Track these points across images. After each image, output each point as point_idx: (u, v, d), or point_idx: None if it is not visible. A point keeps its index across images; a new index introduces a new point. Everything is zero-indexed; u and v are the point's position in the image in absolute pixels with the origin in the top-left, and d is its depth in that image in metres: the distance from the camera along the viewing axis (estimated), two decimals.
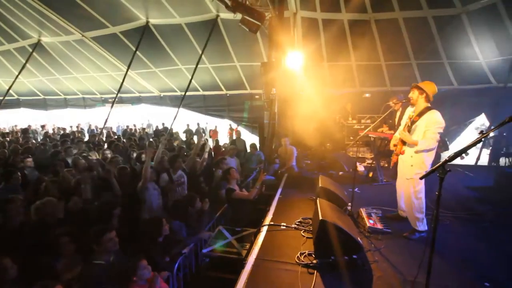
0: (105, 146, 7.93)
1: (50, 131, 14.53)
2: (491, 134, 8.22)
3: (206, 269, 3.54)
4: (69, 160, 5.30)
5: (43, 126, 15.89)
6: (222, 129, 15.10)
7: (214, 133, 14.53)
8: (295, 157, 6.65)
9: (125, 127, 15.32)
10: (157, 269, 2.74)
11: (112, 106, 9.82)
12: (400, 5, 7.70)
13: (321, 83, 9.47)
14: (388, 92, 9.46)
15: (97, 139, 8.66)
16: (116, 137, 10.51)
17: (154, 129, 15.24)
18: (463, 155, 1.59)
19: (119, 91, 10.10)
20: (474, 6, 7.20)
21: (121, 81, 9.88)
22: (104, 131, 12.14)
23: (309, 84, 8.30)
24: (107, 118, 10.02)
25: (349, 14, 8.20)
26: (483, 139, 1.46)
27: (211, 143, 11.35)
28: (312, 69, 9.05)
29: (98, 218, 3.12)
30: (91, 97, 15.41)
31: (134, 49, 9.55)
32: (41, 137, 13.06)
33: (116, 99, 10.72)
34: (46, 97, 16.43)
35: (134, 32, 9.55)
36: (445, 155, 6.72)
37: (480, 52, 8.19)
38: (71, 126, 15.50)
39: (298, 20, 8.41)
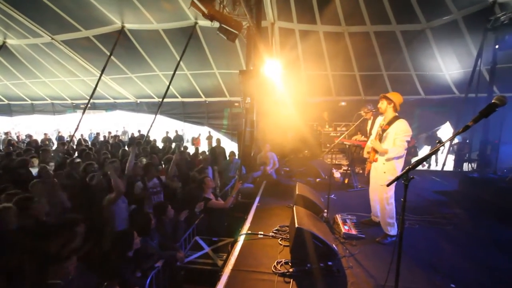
0: (75, 154, 7.52)
1: (15, 139, 13.52)
2: (455, 140, 8.84)
3: (181, 282, 3.42)
4: (33, 171, 4.95)
5: (6, 133, 14.77)
6: (205, 137, 14.91)
7: (197, 141, 14.31)
8: (272, 162, 6.68)
9: (95, 134, 14.58)
10: (128, 286, 2.60)
11: (83, 112, 9.36)
12: (371, 20, 8.16)
13: (298, 92, 9.71)
14: (362, 101, 9.91)
15: (66, 147, 8.18)
16: (87, 145, 9.99)
17: (129, 136, 14.69)
18: (424, 163, 1.68)
19: (91, 96, 9.68)
20: (437, 22, 7.81)
21: (94, 86, 9.49)
22: (75, 139, 11.51)
23: (287, 92, 8.48)
24: (78, 125, 9.53)
25: (324, 26, 8.55)
26: (442, 147, 1.56)
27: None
28: (290, 78, 9.28)
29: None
30: (61, 102, 14.65)
31: (108, 53, 9.25)
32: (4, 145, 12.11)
33: (89, 105, 10.25)
34: (11, 102, 15.41)
35: (108, 37, 9.26)
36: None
37: (443, 64, 8.85)
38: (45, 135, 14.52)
39: (276, 30, 8.62)
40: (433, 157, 10.08)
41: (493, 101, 1.51)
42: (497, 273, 2.71)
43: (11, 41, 10.82)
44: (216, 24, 5.87)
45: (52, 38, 9.82)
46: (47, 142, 11.89)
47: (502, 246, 3.19)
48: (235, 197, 4.29)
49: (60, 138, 13.28)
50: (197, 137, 14.30)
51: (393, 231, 3.32)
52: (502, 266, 2.84)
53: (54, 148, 9.86)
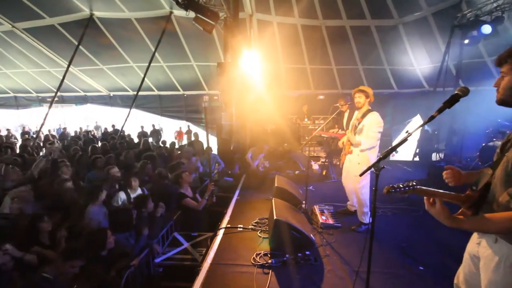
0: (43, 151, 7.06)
1: None
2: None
3: (159, 279, 3.35)
4: None
5: None
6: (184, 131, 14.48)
7: (180, 135, 13.88)
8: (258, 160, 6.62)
9: (63, 129, 13.71)
10: (102, 286, 2.49)
11: (50, 106, 8.77)
12: (347, 14, 8.29)
13: (277, 85, 9.73)
14: (340, 94, 10.12)
15: (32, 144, 7.63)
16: (56, 141, 9.39)
17: (102, 131, 14.00)
18: (394, 152, 1.74)
19: (58, 89, 9.08)
20: (409, 18, 8.10)
21: (62, 78, 8.89)
22: (42, 135, 10.78)
23: (266, 85, 8.46)
24: (44, 120, 8.93)
25: (302, 19, 8.57)
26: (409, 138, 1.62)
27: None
28: (269, 71, 9.25)
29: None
30: (25, 96, 13.66)
31: (76, 43, 8.68)
32: None
33: (56, 99, 9.62)
34: None
35: (76, 25, 8.69)
36: None
37: (414, 59, 9.24)
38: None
39: (254, 22, 8.52)
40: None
41: (456, 91, 1.58)
42: (461, 255, 2.91)
43: None
44: (192, 14, 5.69)
45: (13, 26, 9.05)
46: (11, 139, 11.03)
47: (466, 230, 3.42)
48: (208, 199, 4.23)
49: (26, 133, 12.34)
50: (179, 130, 13.84)
51: (367, 219, 3.45)
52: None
53: (18, 144, 9.17)
